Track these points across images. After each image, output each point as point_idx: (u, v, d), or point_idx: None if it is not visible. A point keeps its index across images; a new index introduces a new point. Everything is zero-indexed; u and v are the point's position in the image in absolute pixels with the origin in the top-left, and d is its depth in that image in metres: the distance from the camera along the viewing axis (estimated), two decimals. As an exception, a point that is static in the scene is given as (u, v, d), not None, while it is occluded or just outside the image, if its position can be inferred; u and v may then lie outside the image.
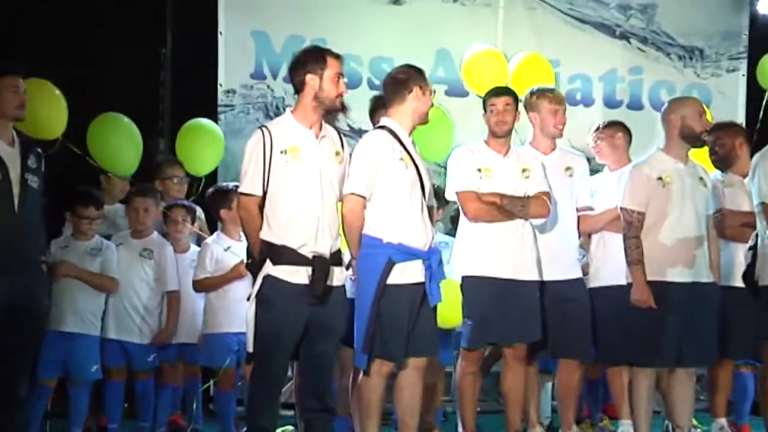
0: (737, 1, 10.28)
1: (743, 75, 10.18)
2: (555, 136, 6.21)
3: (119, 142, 7.26)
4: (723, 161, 6.59)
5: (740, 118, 9.53)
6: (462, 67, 8.47)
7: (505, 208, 5.74)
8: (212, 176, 7.95)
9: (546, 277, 5.93)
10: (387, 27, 9.11)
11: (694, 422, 6.33)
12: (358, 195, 5.11)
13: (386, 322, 5.07)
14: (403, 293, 5.11)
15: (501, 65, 8.28)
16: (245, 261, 5.27)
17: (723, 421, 6.53)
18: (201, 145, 7.89)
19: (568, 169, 6.19)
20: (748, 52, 10.21)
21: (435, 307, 5.27)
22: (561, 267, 6.05)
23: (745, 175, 6.25)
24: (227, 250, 6.40)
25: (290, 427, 5.71)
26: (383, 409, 5.34)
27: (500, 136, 5.90)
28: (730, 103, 9.95)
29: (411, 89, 5.27)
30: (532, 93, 6.24)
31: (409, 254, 5.12)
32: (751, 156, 6.23)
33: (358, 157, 5.16)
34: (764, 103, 5.98)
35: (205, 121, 8.03)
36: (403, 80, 5.32)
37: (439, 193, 6.06)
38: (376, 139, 5.23)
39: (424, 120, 5.37)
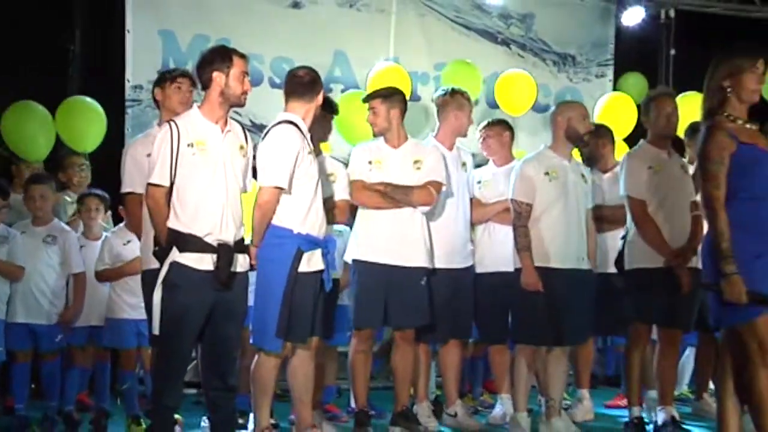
0: (604, 14, 10.48)
1: (610, 80, 10.43)
2: (461, 134, 6.27)
3: (34, 130, 7.14)
4: (589, 159, 6.76)
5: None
6: (368, 83, 8.45)
7: (389, 195, 5.72)
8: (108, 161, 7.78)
9: (438, 265, 5.92)
10: (287, 29, 9.04)
11: (565, 395, 6.42)
12: (279, 187, 5.04)
13: (295, 308, 5.03)
14: (309, 280, 5.08)
15: (404, 81, 8.29)
16: (154, 249, 5.11)
17: (585, 391, 6.66)
18: (83, 122, 7.76)
19: (464, 164, 6.24)
20: (614, 59, 10.45)
21: (330, 292, 5.27)
22: (453, 256, 6.06)
23: (606, 171, 6.54)
24: (127, 244, 6.23)
25: (179, 417, 5.57)
26: (283, 387, 5.27)
27: (375, 134, 5.93)
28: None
29: (318, 91, 5.26)
30: (445, 93, 6.30)
31: (314, 243, 5.09)
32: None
33: (276, 151, 5.09)
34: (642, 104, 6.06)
35: (85, 99, 7.89)
36: (315, 81, 5.31)
37: None
38: (291, 133, 5.15)
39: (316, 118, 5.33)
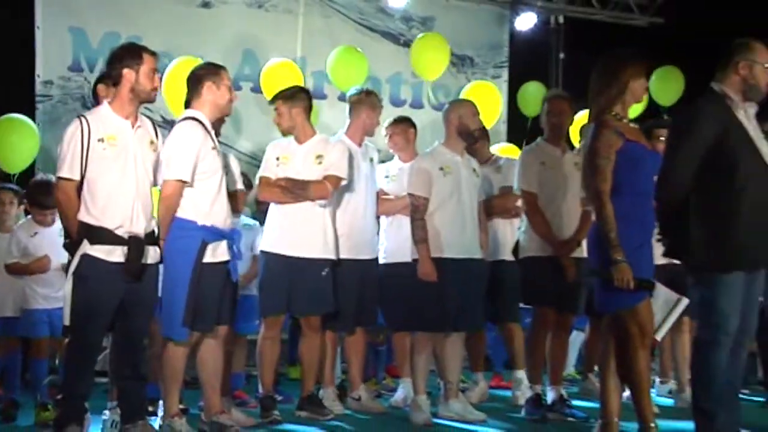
0: (500, 18, 10.60)
1: (505, 81, 10.54)
2: (370, 133, 6.26)
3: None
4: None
5: (503, 118, 9.85)
6: (261, 76, 8.40)
7: (288, 190, 5.71)
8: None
9: (345, 256, 5.91)
10: (197, 27, 8.94)
11: (462, 378, 6.42)
12: (183, 181, 4.94)
13: (201, 298, 4.96)
14: (215, 271, 5.00)
15: (296, 76, 8.23)
16: (65, 241, 4.97)
17: (480, 374, 6.72)
18: (16, 139, 7.49)
19: (371, 160, 6.22)
20: (509, 61, 10.57)
21: (236, 282, 5.19)
22: (360, 247, 6.03)
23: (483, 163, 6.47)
24: (33, 236, 6.04)
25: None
26: (192, 374, 5.21)
27: (282, 134, 5.95)
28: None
29: (203, 84, 5.13)
30: (360, 92, 6.28)
31: (219, 235, 5.01)
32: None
33: (179, 146, 4.99)
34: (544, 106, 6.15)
35: (19, 116, 7.61)
36: (196, 76, 5.20)
37: (244, 179, 6.00)
38: (194, 128, 5.06)
39: (224, 112, 5.24)
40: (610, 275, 4.34)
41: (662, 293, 4.61)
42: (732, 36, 4.85)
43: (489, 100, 8.83)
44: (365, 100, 6.19)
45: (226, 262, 5.05)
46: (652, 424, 4.42)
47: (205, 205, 4.98)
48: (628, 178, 4.40)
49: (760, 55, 4.72)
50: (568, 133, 6.33)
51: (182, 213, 4.96)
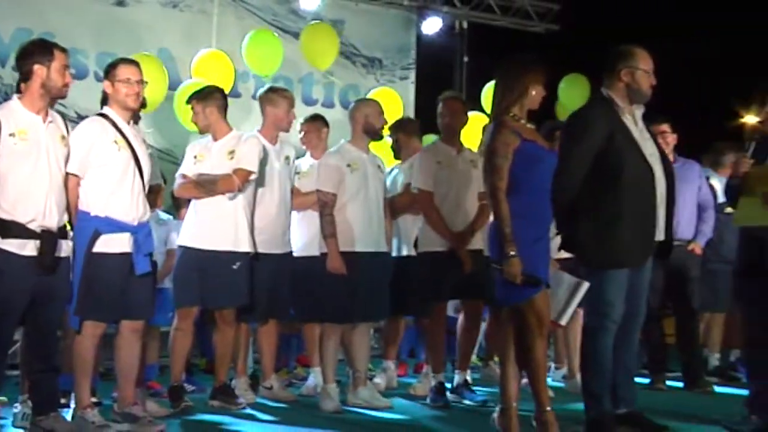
0: (407, 22, 10.64)
1: (412, 82, 10.59)
2: (286, 130, 6.19)
3: None
4: (395, 152, 6.82)
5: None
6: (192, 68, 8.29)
7: (200, 185, 5.66)
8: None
9: (259, 250, 5.83)
10: (112, 25, 8.73)
11: (370, 366, 6.44)
12: (73, 174, 4.85)
13: (95, 287, 4.84)
14: (109, 261, 4.85)
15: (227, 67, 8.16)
16: None
17: (390, 363, 6.73)
18: None
19: (287, 158, 6.15)
20: (416, 63, 10.60)
21: (150, 275, 5.03)
22: (273, 242, 5.97)
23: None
24: None
25: (4, 399, 5.26)
26: (106, 366, 5.06)
27: (200, 133, 5.89)
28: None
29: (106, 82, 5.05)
30: (265, 91, 6.21)
31: (117, 227, 4.87)
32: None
33: (74, 141, 4.90)
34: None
35: None
36: (106, 73, 5.08)
37: (162, 174, 5.97)
38: (89, 124, 4.99)
39: (128, 106, 5.03)
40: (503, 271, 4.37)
41: (565, 279, 4.67)
42: (624, 42, 4.94)
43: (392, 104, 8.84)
44: (272, 98, 6.12)
45: (126, 254, 4.90)
46: (548, 408, 4.46)
47: (100, 197, 4.85)
48: (524, 176, 4.42)
49: (641, 62, 4.85)
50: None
51: (81, 204, 4.87)
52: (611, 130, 4.74)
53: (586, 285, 4.62)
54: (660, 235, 4.83)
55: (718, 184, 6.97)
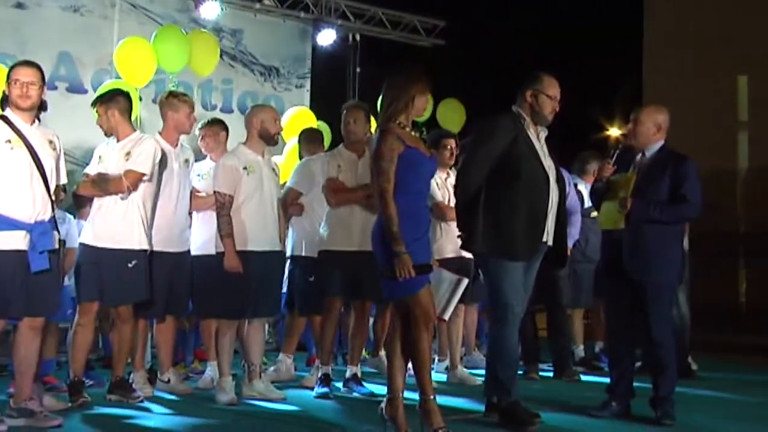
0: (303, 33, 10.66)
1: (307, 90, 10.59)
2: (186, 133, 6.09)
3: None
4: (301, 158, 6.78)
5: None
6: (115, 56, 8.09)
7: (96, 183, 5.56)
8: None
9: (157, 248, 5.70)
10: (11, 28, 8.47)
11: (264, 359, 6.40)
12: None
13: None
14: (4, 260, 4.68)
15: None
16: None
17: (286, 355, 6.70)
18: None
19: (186, 161, 6.03)
20: (311, 73, 10.61)
21: (49, 271, 4.81)
22: (172, 240, 5.86)
23: None
24: None
25: None
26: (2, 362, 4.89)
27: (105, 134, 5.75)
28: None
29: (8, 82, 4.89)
30: (169, 95, 6.08)
31: (10, 224, 4.70)
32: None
33: None
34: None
35: None
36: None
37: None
38: None
39: (20, 106, 4.84)
40: (392, 268, 4.35)
41: (446, 277, 4.73)
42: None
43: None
44: (173, 102, 5.99)
45: (22, 251, 4.72)
46: (431, 397, 4.47)
47: None
48: (405, 179, 4.42)
49: (546, 87, 4.97)
50: None
51: None
52: (515, 136, 4.86)
53: (465, 281, 4.68)
54: (549, 239, 4.94)
55: (585, 189, 7.14)
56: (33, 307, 4.80)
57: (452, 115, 10.09)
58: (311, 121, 8.99)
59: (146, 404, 5.49)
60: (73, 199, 6.31)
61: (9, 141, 4.74)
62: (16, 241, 4.69)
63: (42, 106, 4.94)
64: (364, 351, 6.86)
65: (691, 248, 7.36)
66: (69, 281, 5.89)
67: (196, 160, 6.29)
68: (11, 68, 4.89)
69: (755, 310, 12.17)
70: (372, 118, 6.26)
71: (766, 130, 12.72)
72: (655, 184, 5.14)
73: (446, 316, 4.73)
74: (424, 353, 4.46)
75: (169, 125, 5.98)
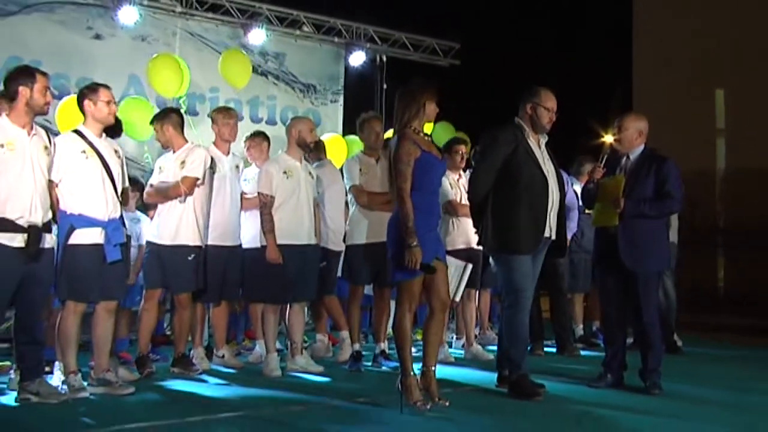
0: (337, 55, 10.63)
1: (341, 105, 10.57)
2: (231, 141, 6.07)
3: None
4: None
5: (339, 133, 9.88)
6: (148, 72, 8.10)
7: (157, 191, 5.59)
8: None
9: (212, 243, 5.72)
10: (91, 55, 8.57)
11: (305, 338, 6.37)
12: (52, 180, 4.72)
13: (73, 273, 4.73)
14: (84, 251, 4.74)
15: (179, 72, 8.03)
16: None
17: (322, 335, 6.71)
18: None
19: (237, 167, 6.05)
20: (344, 89, 10.59)
21: (120, 262, 4.88)
22: (225, 236, 5.86)
23: None
24: None
25: (8, 362, 5.11)
26: (84, 339, 4.98)
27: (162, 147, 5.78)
28: (332, 123, 10.27)
29: (83, 100, 4.92)
30: (213, 111, 6.11)
31: (88, 222, 4.77)
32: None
33: (55, 152, 4.77)
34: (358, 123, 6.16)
35: None
36: (79, 96, 4.99)
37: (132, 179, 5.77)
38: (60, 139, 4.89)
39: (104, 122, 4.94)
40: (401, 257, 4.34)
41: (453, 264, 4.70)
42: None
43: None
44: (216, 116, 6.05)
45: (99, 245, 4.77)
46: (411, 373, 4.39)
47: (73, 198, 4.75)
48: (421, 179, 4.42)
49: (544, 100, 4.93)
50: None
51: (60, 203, 4.77)
52: (516, 145, 4.84)
53: (470, 266, 4.65)
54: (551, 233, 4.90)
55: (579, 189, 7.10)
56: (108, 292, 4.88)
57: (442, 134, 9.95)
58: (341, 144, 8.98)
59: (204, 376, 5.55)
60: (143, 203, 6.37)
61: (84, 152, 4.81)
62: (93, 236, 4.77)
63: (117, 122, 5.09)
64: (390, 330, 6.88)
65: (679, 241, 7.34)
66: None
67: (244, 167, 6.31)
68: (96, 89, 4.92)
69: (732, 295, 12.09)
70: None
71: (741, 137, 12.59)
72: (641, 184, 5.12)
73: (457, 298, 4.71)
74: (404, 332, 4.41)
75: (218, 136, 6.01)
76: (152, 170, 5.97)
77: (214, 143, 6.01)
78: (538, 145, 4.94)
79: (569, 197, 6.82)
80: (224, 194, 5.89)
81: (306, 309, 6.49)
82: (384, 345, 6.09)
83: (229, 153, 6.03)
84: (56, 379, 4.93)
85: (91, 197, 4.78)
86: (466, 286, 6.17)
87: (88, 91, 4.94)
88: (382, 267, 5.79)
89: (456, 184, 6.45)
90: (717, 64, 12.65)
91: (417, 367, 4.51)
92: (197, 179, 5.55)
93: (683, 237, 7.54)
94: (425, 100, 4.52)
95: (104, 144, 4.92)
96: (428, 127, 4.95)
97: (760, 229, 11.44)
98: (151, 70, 8.07)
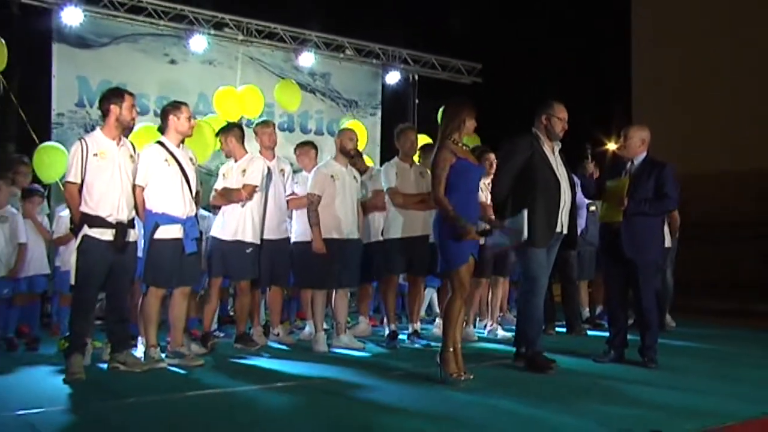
0: (375, 75, 10.68)
1: (379, 117, 10.59)
2: (271, 147, 6.01)
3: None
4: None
5: (377, 143, 9.91)
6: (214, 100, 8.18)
7: (224, 196, 5.61)
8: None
9: (265, 237, 5.76)
10: (167, 77, 8.76)
11: (348, 319, 6.31)
12: (138, 185, 4.79)
13: (157, 263, 4.82)
14: (166, 245, 4.84)
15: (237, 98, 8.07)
16: (71, 226, 4.76)
17: (363, 317, 6.62)
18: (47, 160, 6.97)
19: (282, 171, 6.05)
20: (381, 104, 10.61)
21: (196, 253, 4.96)
22: (274, 231, 5.86)
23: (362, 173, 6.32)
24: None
25: (98, 343, 5.21)
26: (162, 318, 5.09)
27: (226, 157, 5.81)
28: (371, 134, 10.24)
29: (168, 116, 4.99)
30: (257, 125, 6.11)
31: (170, 220, 4.85)
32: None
33: (139, 161, 4.82)
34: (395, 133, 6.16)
35: (53, 144, 7.10)
36: (164, 112, 5.06)
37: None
38: (147, 149, 4.95)
39: (185, 134, 5.02)
40: (448, 249, 4.33)
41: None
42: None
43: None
44: (256, 129, 6.05)
45: (179, 239, 4.86)
46: (450, 348, 4.37)
47: (158, 199, 4.82)
48: (457, 182, 4.41)
49: (557, 111, 4.91)
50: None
51: (146, 204, 4.84)
52: (532, 152, 4.81)
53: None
54: (564, 229, 4.87)
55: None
56: (184, 279, 4.96)
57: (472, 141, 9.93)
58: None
59: (262, 351, 5.59)
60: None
61: (166, 160, 4.89)
62: (174, 231, 4.85)
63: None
64: (423, 312, 6.88)
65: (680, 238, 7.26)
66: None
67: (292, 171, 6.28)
68: (179, 107, 4.97)
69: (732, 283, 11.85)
70: (418, 134, 6.22)
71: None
72: (643, 186, 5.08)
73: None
74: (454, 314, 4.39)
75: (262, 145, 5.98)
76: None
77: (260, 152, 5.99)
78: (552, 152, 4.90)
79: (578, 197, 6.75)
80: (274, 195, 5.89)
81: (348, 294, 6.52)
82: (417, 326, 6.07)
83: (274, 158, 6.02)
84: (139, 351, 5.02)
85: (172, 198, 4.85)
86: (495, 273, 6.17)
87: (171, 108, 5.00)
88: (415, 258, 5.81)
89: (486, 188, 6.41)
90: (710, 78, 12.34)
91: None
92: (256, 186, 5.60)
93: (682, 234, 7.45)
94: (465, 116, 4.51)
95: (182, 153, 4.99)
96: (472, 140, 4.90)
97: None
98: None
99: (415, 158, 6.21)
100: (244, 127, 6.10)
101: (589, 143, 5.04)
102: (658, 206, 5.08)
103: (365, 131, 8.76)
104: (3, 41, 6.82)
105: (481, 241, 4.95)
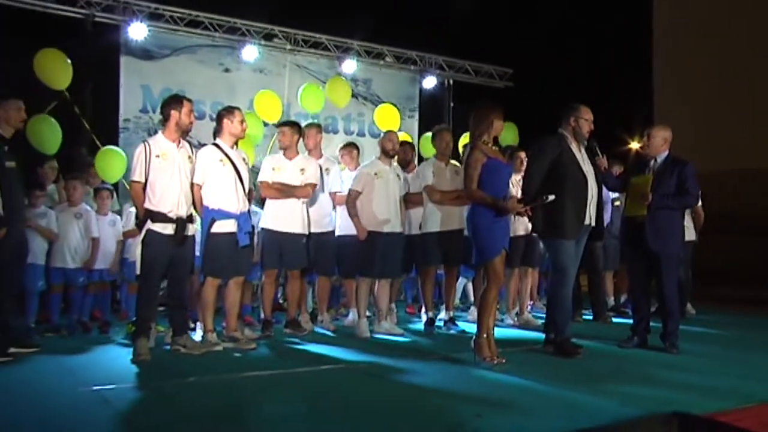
0: (413, 80, 10.64)
1: (416, 120, 10.56)
2: (313, 149, 6.02)
3: (49, 132, 6.72)
4: (401, 163, 6.52)
5: (416, 143, 9.88)
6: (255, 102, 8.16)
7: (281, 191, 5.54)
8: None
9: (312, 230, 5.77)
10: (221, 84, 8.87)
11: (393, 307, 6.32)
12: (196, 183, 4.84)
13: (214, 255, 4.88)
14: (223, 238, 4.89)
15: (277, 102, 8.07)
16: (136, 221, 4.87)
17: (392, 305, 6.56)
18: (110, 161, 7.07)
19: (327, 169, 6.05)
20: (419, 107, 10.58)
21: (249, 246, 5.02)
22: (320, 225, 5.88)
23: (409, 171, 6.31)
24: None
25: (162, 327, 5.33)
26: (218, 305, 5.16)
27: (280, 148, 5.74)
28: (409, 135, 10.20)
29: (223, 120, 5.05)
30: (305, 127, 6.06)
31: (225, 215, 4.90)
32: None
33: (197, 161, 4.89)
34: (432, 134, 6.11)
35: (113, 147, 7.23)
36: (219, 116, 5.11)
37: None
38: (204, 150, 5.00)
39: (237, 136, 5.07)
40: (483, 242, 4.33)
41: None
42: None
43: (390, 118, 8.69)
44: (305, 132, 5.99)
45: (233, 233, 4.92)
46: (484, 335, 4.37)
47: (215, 196, 4.87)
48: (489, 180, 4.40)
49: (584, 113, 4.88)
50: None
51: (203, 201, 4.90)
52: (560, 151, 4.78)
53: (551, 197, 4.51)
54: (592, 222, 4.83)
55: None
56: (238, 270, 5.02)
57: (508, 134, 9.81)
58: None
59: (309, 336, 5.61)
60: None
61: (221, 160, 4.94)
62: (229, 226, 4.91)
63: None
64: (457, 301, 6.86)
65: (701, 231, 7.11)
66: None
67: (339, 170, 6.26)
68: (232, 111, 5.02)
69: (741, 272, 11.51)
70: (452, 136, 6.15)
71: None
72: (665, 182, 5.01)
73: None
74: (489, 302, 4.38)
75: (309, 146, 5.97)
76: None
77: (309, 152, 5.97)
78: (579, 150, 4.86)
79: (604, 193, 6.65)
80: (320, 192, 5.89)
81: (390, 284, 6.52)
82: (452, 312, 6.05)
83: (321, 157, 6.01)
84: (198, 335, 5.10)
85: (227, 195, 4.91)
86: (524, 264, 6.11)
87: (226, 112, 5.06)
88: (451, 251, 5.79)
89: (517, 184, 6.34)
90: (727, 81, 11.98)
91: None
92: (316, 185, 5.65)
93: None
94: (494, 117, 4.50)
95: (235, 153, 5.05)
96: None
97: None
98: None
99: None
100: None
101: (595, 141, 4.95)
102: (679, 201, 5.03)
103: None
104: (69, 61, 6.93)
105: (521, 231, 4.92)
